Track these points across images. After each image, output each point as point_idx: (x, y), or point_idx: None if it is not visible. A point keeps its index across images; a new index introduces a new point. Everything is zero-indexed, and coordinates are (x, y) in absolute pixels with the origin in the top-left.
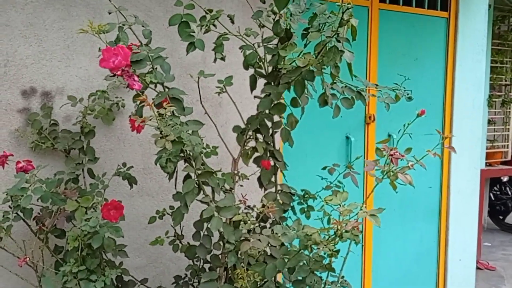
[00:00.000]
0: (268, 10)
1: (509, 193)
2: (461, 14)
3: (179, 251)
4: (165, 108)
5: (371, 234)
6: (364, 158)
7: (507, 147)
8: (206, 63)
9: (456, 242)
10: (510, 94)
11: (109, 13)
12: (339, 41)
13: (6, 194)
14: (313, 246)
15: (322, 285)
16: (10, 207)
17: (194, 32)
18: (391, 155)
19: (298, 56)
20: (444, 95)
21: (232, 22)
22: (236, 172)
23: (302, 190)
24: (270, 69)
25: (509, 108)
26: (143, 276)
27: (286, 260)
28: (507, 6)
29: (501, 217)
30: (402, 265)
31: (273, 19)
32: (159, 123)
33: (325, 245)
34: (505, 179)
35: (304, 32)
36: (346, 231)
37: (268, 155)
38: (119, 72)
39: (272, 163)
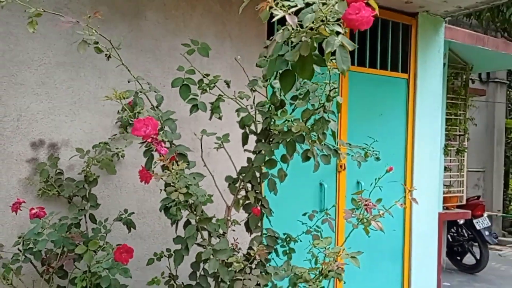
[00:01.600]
0: (260, 78)
1: (465, 235)
2: (419, 75)
3: None
4: (178, 165)
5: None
6: (336, 203)
7: (462, 192)
8: (197, 118)
9: (418, 281)
10: (463, 143)
11: (128, 82)
12: (326, 113)
13: (19, 237)
14: (302, 283)
15: None
16: (19, 250)
17: (197, 95)
18: (366, 205)
19: (286, 121)
20: (405, 146)
21: (228, 87)
22: (229, 218)
23: (284, 234)
24: (259, 127)
25: (463, 156)
26: None
27: None
28: (460, 64)
29: (458, 258)
30: None
31: (265, 86)
32: (173, 177)
33: (313, 282)
34: (461, 221)
35: (292, 101)
36: (331, 270)
37: (257, 202)
38: (149, 140)
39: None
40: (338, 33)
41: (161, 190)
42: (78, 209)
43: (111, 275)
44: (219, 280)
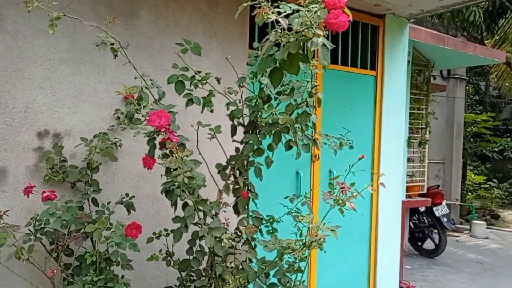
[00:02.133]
0: (248, 75)
1: (426, 222)
2: (386, 73)
3: (172, 265)
4: (182, 152)
5: (316, 255)
6: (311, 189)
7: (423, 181)
8: (187, 110)
9: (383, 262)
10: (425, 136)
11: (135, 78)
12: (308, 107)
13: (31, 219)
14: (288, 253)
15: (292, 284)
16: (30, 230)
17: (192, 90)
18: (342, 188)
19: (271, 114)
20: (373, 138)
21: (219, 83)
22: (220, 200)
23: (267, 216)
24: (246, 120)
25: (425, 148)
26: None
27: (264, 267)
28: (423, 62)
29: (419, 243)
30: (341, 281)
31: (253, 82)
32: (179, 163)
33: (299, 251)
34: (422, 209)
35: (277, 96)
36: (314, 241)
37: (245, 187)
38: (163, 130)
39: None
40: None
41: (161, 175)
42: (82, 194)
43: (122, 249)
44: (213, 254)
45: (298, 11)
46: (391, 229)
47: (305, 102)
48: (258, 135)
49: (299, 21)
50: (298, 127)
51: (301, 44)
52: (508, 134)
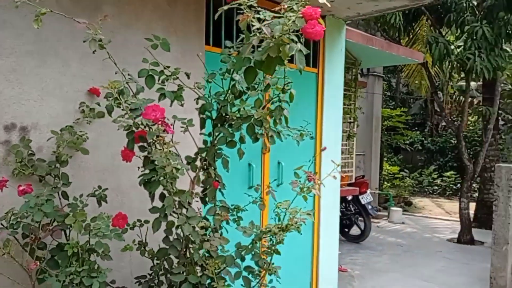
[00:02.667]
0: (221, 73)
1: (352, 209)
2: (326, 70)
3: (146, 254)
4: (166, 146)
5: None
6: (262, 180)
7: (352, 172)
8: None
9: (325, 247)
10: (353, 129)
11: (116, 73)
12: (281, 102)
13: (6, 213)
14: (267, 237)
15: (267, 266)
16: (2, 224)
17: (165, 85)
18: (309, 176)
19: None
20: (315, 131)
21: (188, 78)
22: (193, 191)
23: (232, 205)
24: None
25: (353, 141)
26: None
27: (241, 251)
28: (351, 60)
29: (346, 230)
30: (288, 265)
31: (223, 78)
32: (168, 155)
33: (279, 235)
34: (350, 197)
35: (245, 91)
36: (291, 224)
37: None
38: (159, 122)
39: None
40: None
41: (138, 167)
42: (52, 187)
43: (108, 238)
44: (190, 242)
45: (279, 17)
46: (331, 216)
47: (278, 98)
48: (229, 128)
49: (280, 28)
50: (272, 121)
51: (280, 49)
52: (416, 128)
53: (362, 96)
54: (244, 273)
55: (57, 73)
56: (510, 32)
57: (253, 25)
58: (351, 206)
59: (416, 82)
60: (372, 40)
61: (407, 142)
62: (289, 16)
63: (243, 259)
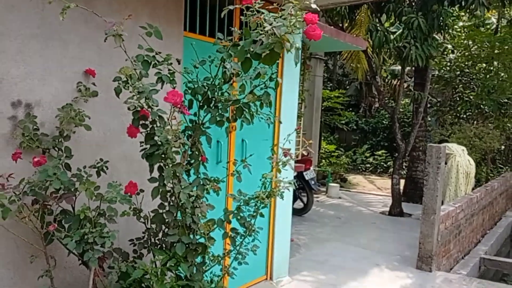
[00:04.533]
0: (211, 60)
1: (296, 185)
2: (285, 56)
3: (142, 220)
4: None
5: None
6: (229, 155)
7: (299, 150)
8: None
9: (279, 220)
10: (301, 110)
11: (126, 60)
12: (267, 88)
13: (20, 182)
14: (255, 201)
15: (251, 227)
16: (14, 192)
17: (161, 69)
18: (285, 152)
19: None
20: (274, 112)
21: (179, 63)
22: (183, 164)
23: (211, 177)
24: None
25: (300, 121)
26: None
27: (228, 215)
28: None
29: None
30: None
31: (216, 65)
32: (176, 133)
33: (265, 199)
34: (295, 173)
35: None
36: (277, 191)
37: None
38: (178, 106)
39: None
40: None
41: (141, 142)
42: (56, 159)
43: (119, 203)
44: (183, 208)
45: (284, 18)
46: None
47: (264, 84)
48: (216, 109)
49: (285, 29)
50: (259, 104)
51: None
52: (351, 109)
53: (309, 79)
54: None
55: (59, 55)
56: (441, 23)
57: (264, 26)
58: (295, 181)
59: (352, 65)
60: (324, 27)
61: (343, 122)
62: (291, 19)
63: (229, 222)
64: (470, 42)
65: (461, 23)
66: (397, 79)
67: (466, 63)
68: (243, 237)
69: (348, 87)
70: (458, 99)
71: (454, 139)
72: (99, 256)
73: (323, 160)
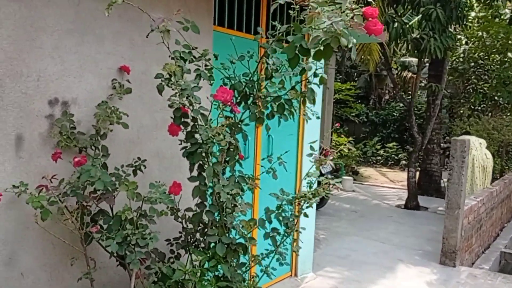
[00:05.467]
0: (250, 55)
1: None
2: None
3: (180, 219)
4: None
5: (257, 211)
6: (255, 151)
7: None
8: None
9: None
10: None
11: (169, 56)
12: (311, 84)
13: (60, 182)
14: (300, 201)
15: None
16: (54, 194)
17: (200, 66)
18: (325, 150)
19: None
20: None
21: (216, 59)
22: (221, 162)
23: (245, 174)
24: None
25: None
26: None
27: (269, 214)
28: None
29: None
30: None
31: (263, 62)
32: (224, 132)
33: (312, 199)
34: None
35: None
36: (323, 190)
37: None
38: (229, 103)
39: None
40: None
41: (180, 141)
42: (93, 158)
43: (163, 203)
44: (223, 207)
45: (342, 12)
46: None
47: (308, 81)
48: (261, 106)
49: (343, 23)
50: (302, 101)
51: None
52: (360, 101)
53: (326, 71)
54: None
55: (93, 50)
56: (459, 14)
57: (322, 21)
58: None
59: (363, 57)
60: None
61: (354, 114)
62: (348, 13)
63: (270, 222)
64: (484, 34)
65: (473, 13)
66: (407, 71)
67: (480, 54)
68: (284, 237)
69: (356, 79)
70: (471, 90)
71: (473, 131)
72: (140, 258)
73: (335, 153)
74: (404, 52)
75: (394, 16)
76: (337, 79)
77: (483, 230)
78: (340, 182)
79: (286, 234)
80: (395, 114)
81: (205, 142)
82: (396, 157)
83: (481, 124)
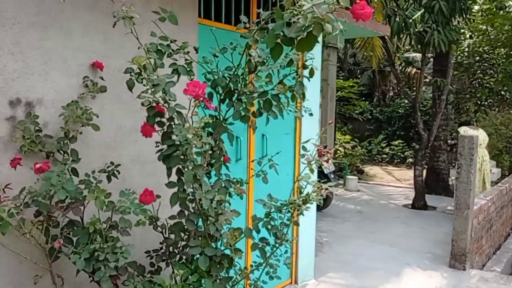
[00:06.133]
0: (233, 47)
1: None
2: None
3: (159, 230)
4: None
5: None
6: (248, 153)
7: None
8: None
9: (303, 217)
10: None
11: (138, 48)
12: (300, 77)
13: (21, 192)
14: (288, 208)
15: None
16: (15, 204)
17: (177, 60)
18: (319, 150)
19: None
20: (295, 104)
21: (196, 52)
22: (204, 165)
23: (234, 178)
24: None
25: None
26: None
27: (257, 223)
28: None
29: None
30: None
31: (239, 53)
32: (199, 131)
33: (302, 206)
34: None
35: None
36: (316, 196)
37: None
38: (201, 99)
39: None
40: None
41: (157, 142)
42: (61, 164)
43: (134, 214)
44: (206, 215)
45: None
46: (308, 186)
47: (296, 73)
48: (241, 103)
49: (326, 7)
50: (291, 96)
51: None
52: (364, 98)
53: (327, 67)
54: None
55: (60, 46)
56: (463, 6)
57: (301, 4)
58: None
59: (366, 53)
60: (341, 12)
61: (358, 112)
62: None
63: (258, 231)
64: (489, 27)
65: (477, 7)
66: (411, 67)
67: (485, 48)
68: (274, 248)
69: (359, 76)
70: (477, 85)
71: (479, 127)
72: (112, 274)
73: (339, 152)
74: (408, 47)
75: (395, 9)
76: (340, 77)
77: (494, 230)
78: (335, 186)
79: (276, 244)
80: (400, 111)
81: (181, 143)
82: (402, 155)
83: (488, 119)
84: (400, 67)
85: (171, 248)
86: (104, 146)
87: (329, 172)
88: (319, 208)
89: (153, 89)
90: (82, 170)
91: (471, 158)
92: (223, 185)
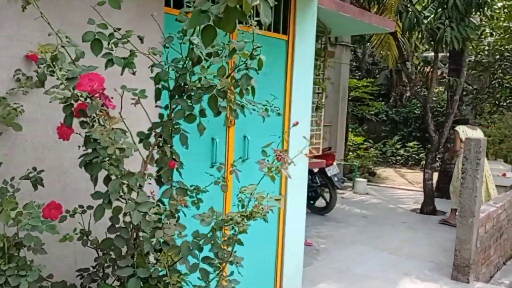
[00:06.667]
0: (176, 35)
1: (318, 182)
2: (297, 37)
3: (89, 244)
4: (110, 120)
5: None
6: (226, 156)
7: (319, 144)
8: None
9: (291, 222)
10: (321, 100)
11: (49, 35)
12: (248, 70)
13: None
14: (229, 226)
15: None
16: None
17: (112, 50)
18: (278, 155)
19: (204, 77)
20: (284, 102)
21: (142, 42)
22: (145, 172)
23: (191, 186)
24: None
25: (321, 112)
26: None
27: (198, 240)
28: (320, 28)
29: (312, 202)
30: (252, 242)
31: (181, 43)
32: (110, 133)
33: (242, 224)
34: (316, 170)
35: (206, 57)
36: (256, 212)
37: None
38: (97, 95)
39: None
40: None
41: (79, 146)
42: None
43: (39, 232)
44: (138, 231)
45: None
46: (298, 189)
47: (245, 65)
48: (188, 100)
49: None
50: (237, 92)
51: None
52: (381, 98)
53: (331, 66)
54: (202, 265)
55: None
56: (480, 1)
57: None
58: (317, 178)
59: (382, 52)
60: (344, 6)
61: (372, 112)
62: None
63: (201, 249)
64: (511, 24)
65: (500, 4)
66: (430, 66)
67: (507, 46)
68: (219, 270)
69: (378, 76)
70: (497, 85)
71: (494, 128)
72: None
73: (350, 153)
74: (426, 47)
75: (407, 5)
76: (356, 76)
77: (504, 238)
78: (280, 200)
79: (219, 265)
80: (416, 111)
81: (103, 147)
82: (417, 157)
83: (504, 120)
84: (418, 67)
85: (103, 268)
86: (40, 147)
87: (332, 174)
88: (321, 212)
89: (66, 84)
90: (12, 174)
91: (478, 162)
92: (174, 193)
